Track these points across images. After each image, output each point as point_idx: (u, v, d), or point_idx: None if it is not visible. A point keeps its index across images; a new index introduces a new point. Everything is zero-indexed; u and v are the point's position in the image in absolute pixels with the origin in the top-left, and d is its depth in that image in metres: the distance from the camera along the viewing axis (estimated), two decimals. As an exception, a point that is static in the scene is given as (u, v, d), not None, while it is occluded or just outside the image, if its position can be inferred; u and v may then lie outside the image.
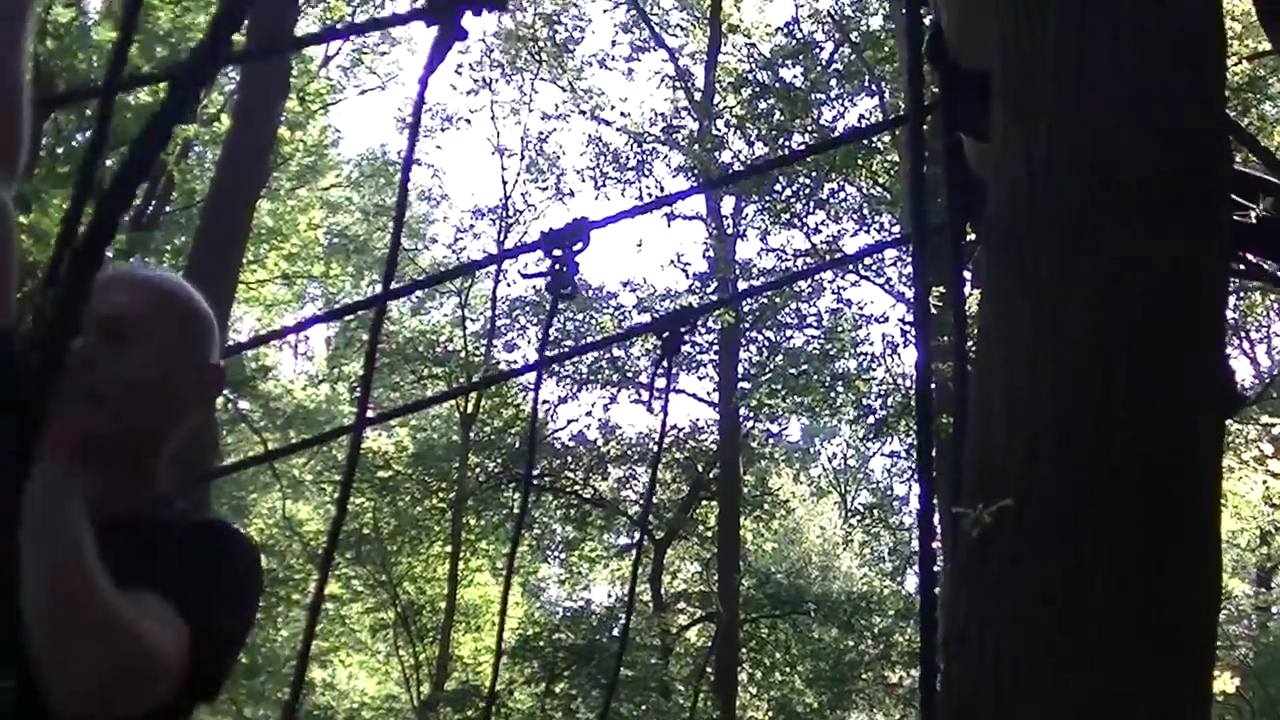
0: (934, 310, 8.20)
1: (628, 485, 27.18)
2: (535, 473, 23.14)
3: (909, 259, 23.41)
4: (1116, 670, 2.09)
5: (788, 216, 24.31)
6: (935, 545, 3.12)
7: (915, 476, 25.58)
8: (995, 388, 2.27)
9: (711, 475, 25.31)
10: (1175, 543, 2.17)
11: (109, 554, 2.08)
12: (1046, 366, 2.22)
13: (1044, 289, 2.27)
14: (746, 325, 25.33)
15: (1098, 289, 2.24)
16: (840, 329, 25.36)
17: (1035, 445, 2.19)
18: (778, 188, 23.32)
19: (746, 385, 25.32)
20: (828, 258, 22.76)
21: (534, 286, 24.78)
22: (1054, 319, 2.24)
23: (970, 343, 3.03)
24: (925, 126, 3.99)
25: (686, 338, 6.17)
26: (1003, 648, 2.15)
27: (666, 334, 5.23)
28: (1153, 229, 2.26)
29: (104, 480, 2.31)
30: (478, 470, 25.79)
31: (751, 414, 25.86)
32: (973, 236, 3.53)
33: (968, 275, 6.44)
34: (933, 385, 3.69)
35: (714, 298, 23.79)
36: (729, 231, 25.44)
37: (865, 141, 21.46)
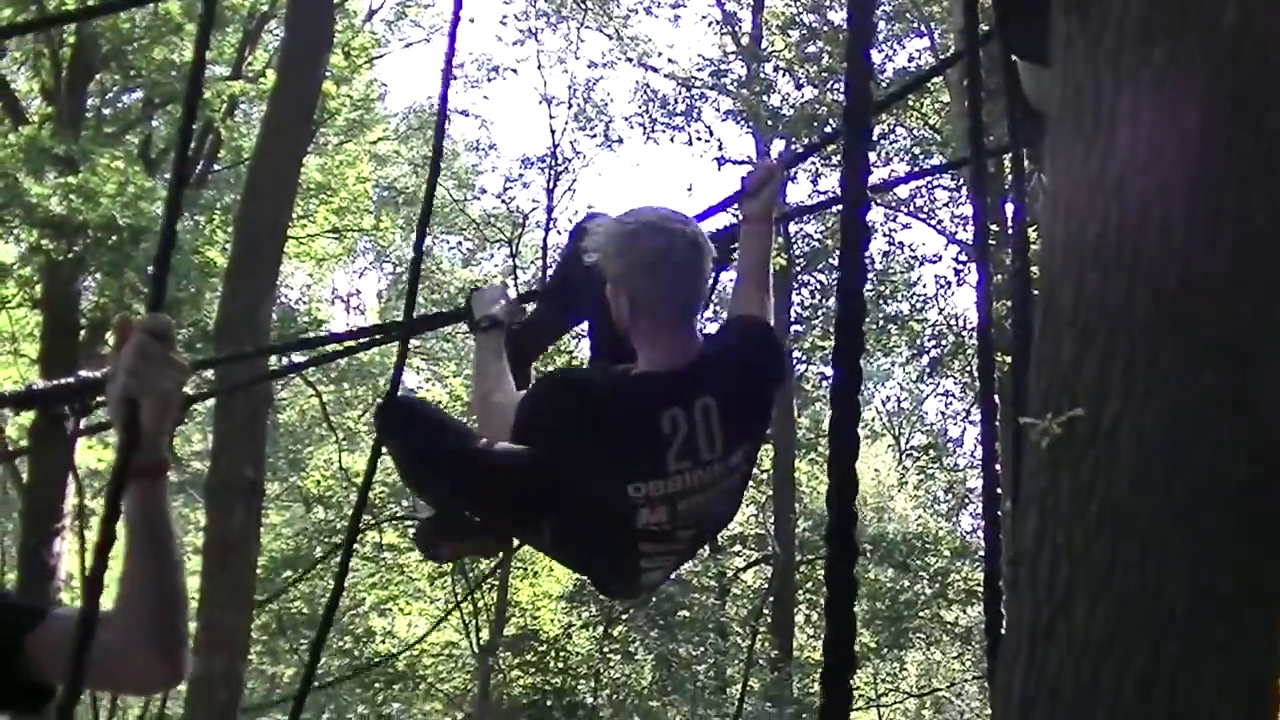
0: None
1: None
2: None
3: (960, 199, 23.38)
4: (1198, 594, 2.03)
5: (838, 159, 24.12)
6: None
7: (972, 414, 25.52)
8: (1063, 294, 2.18)
9: (766, 418, 25.24)
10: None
11: None
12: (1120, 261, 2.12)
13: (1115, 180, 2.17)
14: (798, 269, 25.23)
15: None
16: (892, 271, 25.25)
17: (1108, 354, 2.10)
18: (828, 130, 23.13)
19: (799, 328, 25.24)
20: (879, 199, 22.59)
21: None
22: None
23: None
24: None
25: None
26: (1074, 569, 2.09)
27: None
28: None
29: None
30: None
31: (804, 356, 25.79)
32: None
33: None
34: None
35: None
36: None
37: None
